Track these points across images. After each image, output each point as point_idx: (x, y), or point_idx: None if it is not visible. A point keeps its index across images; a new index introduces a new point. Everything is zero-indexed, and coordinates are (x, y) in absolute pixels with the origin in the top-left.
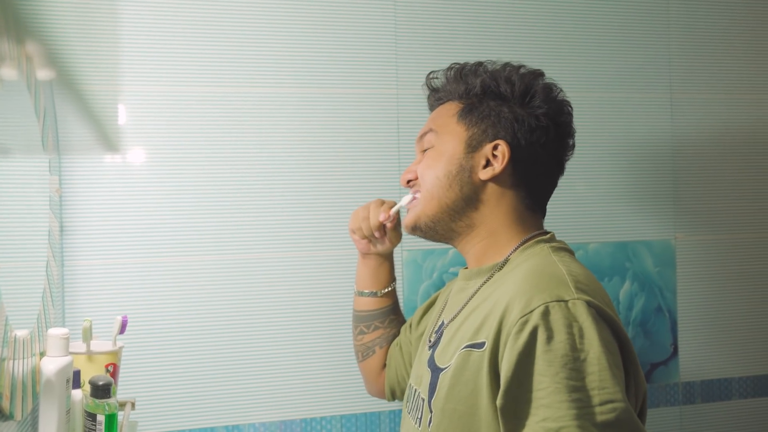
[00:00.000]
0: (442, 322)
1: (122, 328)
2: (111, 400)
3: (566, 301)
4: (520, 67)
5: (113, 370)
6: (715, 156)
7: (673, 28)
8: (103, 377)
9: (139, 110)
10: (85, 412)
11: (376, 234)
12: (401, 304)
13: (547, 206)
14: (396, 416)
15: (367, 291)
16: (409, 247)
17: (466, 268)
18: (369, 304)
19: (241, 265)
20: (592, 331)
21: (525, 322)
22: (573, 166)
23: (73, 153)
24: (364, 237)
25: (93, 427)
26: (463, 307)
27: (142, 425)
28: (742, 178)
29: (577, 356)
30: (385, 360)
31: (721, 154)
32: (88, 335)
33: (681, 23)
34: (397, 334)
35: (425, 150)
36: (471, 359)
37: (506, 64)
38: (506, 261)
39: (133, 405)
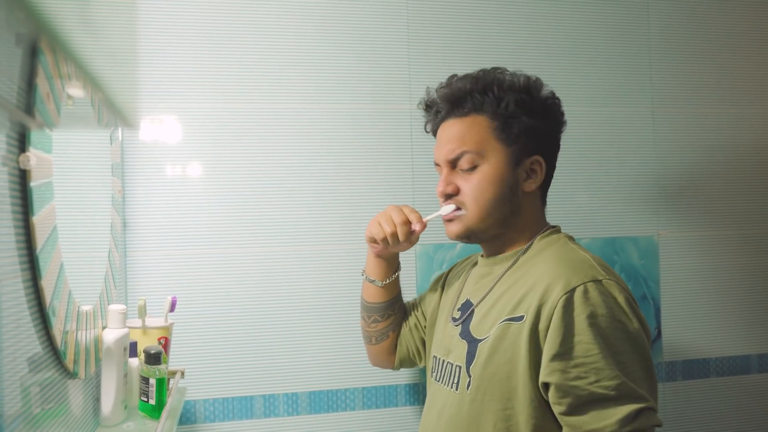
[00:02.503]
0: (467, 301)
1: (172, 307)
2: (161, 367)
3: (600, 281)
4: (536, 79)
5: (165, 342)
6: (693, 163)
7: (654, 49)
8: (155, 347)
9: (189, 125)
10: (140, 376)
11: (401, 239)
12: (415, 293)
13: (546, 208)
14: (411, 389)
15: (379, 281)
16: (422, 241)
17: (483, 255)
18: (379, 296)
19: (274, 256)
20: (627, 305)
21: (568, 299)
22: (567, 171)
23: (135, 160)
24: (386, 242)
25: (146, 389)
26: (492, 288)
27: (190, 391)
28: (719, 183)
29: (617, 326)
30: (397, 340)
31: (698, 162)
32: (143, 312)
33: (660, 44)
34: (404, 317)
35: (466, 169)
36: (510, 330)
37: (524, 78)
38: (528, 247)
39: (182, 374)
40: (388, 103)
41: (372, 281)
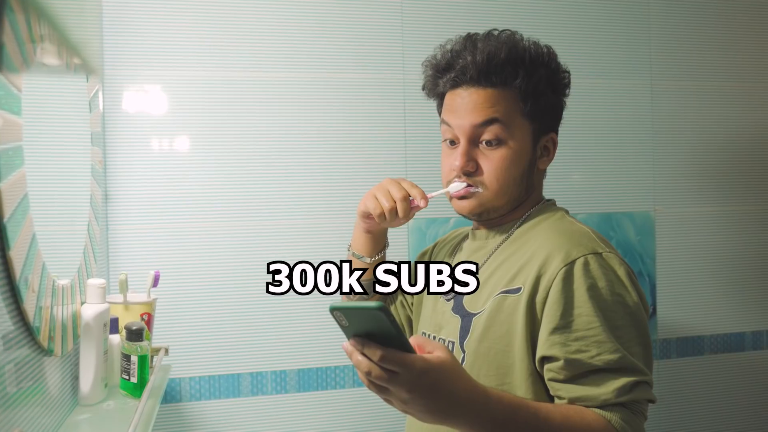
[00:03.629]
0: None
1: (155, 282)
2: (143, 344)
3: (600, 254)
4: (552, 50)
5: (147, 319)
6: (690, 138)
7: (654, 22)
8: (137, 323)
9: (174, 93)
10: (122, 353)
11: (401, 215)
12: None
13: (544, 182)
14: None
15: (367, 257)
16: (414, 216)
17: (475, 228)
18: (367, 273)
19: (260, 229)
20: (627, 279)
21: (568, 271)
22: (564, 145)
23: (117, 129)
24: (382, 218)
25: (128, 366)
26: (486, 261)
27: (174, 369)
28: (715, 158)
29: (617, 299)
30: None
31: (696, 137)
32: (124, 287)
33: (660, 18)
34: (387, 299)
35: (490, 143)
36: (506, 303)
37: (545, 49)
38: (524, 220)
39: (166, 351)
40: (381, 72)
41: (360, 257)
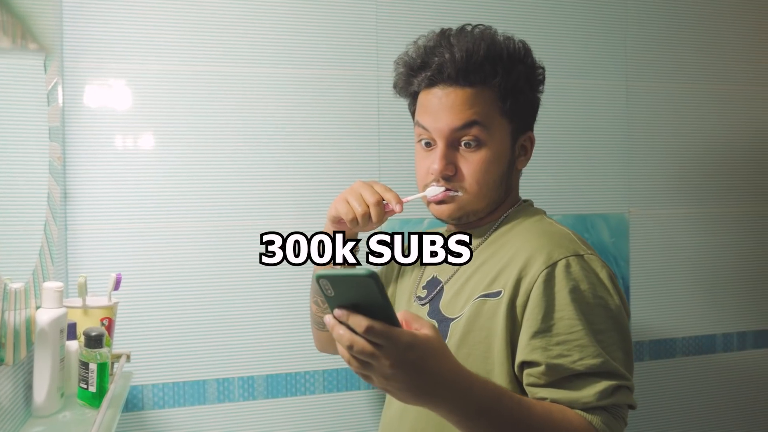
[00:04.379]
0: (433, 279)
1: (116, 285)
2: (103, 350)
3: (582, 256)
4: (527, 46)
5: (108, 323)
6: (665, 140)
7: (630, 23)
8: (96, 329)
9: (138, 87)
10: (80, 361)
11: (375, 220)
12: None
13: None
14: None
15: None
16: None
17: (448, 230)
18: None
19: (228, 230)
20: (609, 282)
21: (550, 273)
22: (538, 146)
23: (78, 124)
24: (354, 222)
25: (86, 375)
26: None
27: (136, 376)
28: (690, 160)
29: (600, 303)
30: None
31: (671, 139)
32: (83, 290)
33: (637, 18)
34: None
35: (470, 145)
36: (486, 307)
37: (521, 44)
38: (501, 222)
39: (128, 357)
40: (354, 69)
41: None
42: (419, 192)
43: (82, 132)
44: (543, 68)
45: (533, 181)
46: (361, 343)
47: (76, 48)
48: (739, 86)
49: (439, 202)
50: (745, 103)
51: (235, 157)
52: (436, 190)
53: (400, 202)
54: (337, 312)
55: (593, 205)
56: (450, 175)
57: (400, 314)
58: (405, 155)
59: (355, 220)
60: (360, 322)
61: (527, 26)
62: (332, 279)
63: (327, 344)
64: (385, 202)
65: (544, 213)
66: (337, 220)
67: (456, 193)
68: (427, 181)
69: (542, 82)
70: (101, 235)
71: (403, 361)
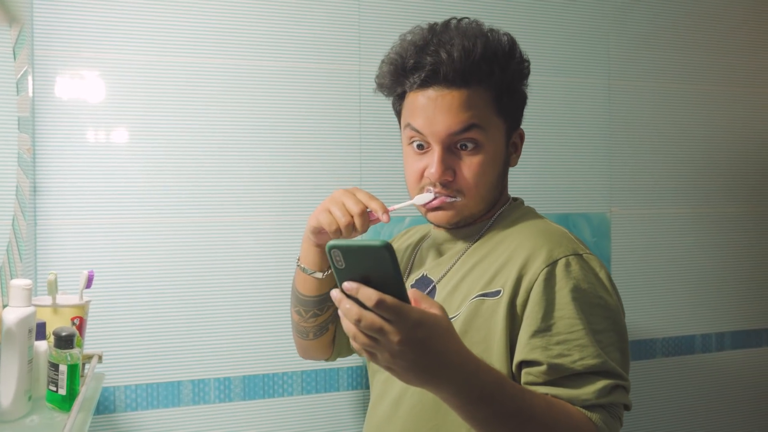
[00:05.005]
0: (424, 277)
1: (88, 283)
2: (74, 351)
3: (581, 255)
4: (513, 39)
5: (79, 323)
6: (647, 138)
7: (613, 21)
8: (67, 328)
9: (111, 78)
10: (49, 362)
11: (360, 230)
12: None
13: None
14: (353, 372)
15: (320, 272)
16: None
17: (437, 228)
18: (318, 287)
19: (205, 227)
20: (608, 281)
21: (550, 272)
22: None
23: (49, 115)
24: (338, 233)
25: (56, 377)
26: (455, 263)
27: (108, 377)
28: (671, 160)
29: (599, 302)
30: (336, 331)
31: (652, 137)
32: (53, 288)
33: (620, 16)
34: None
35: (467, 148)
36: (484, 307)
37: (508, 38)
38: (493, 220)
39: (100, 358)
40: (336, 63)
41: (311, 273)
42: (409, 199)
43: (54, 123)
44: (529, 61)
45: (514, 180)
46: (370, 317)
47: (47, 35)
48: (720, 86)
49: (437, 209)
50: (727, 104)
51: (212, 151)
52: (426, 197)
53: (386, 211)
54: (347, 285)
55: (575, 205)
56: (449, 181)
57: (409, 292)
58: (386, 150)
59: (339, 230)
60: (371, 295)
61: (509, 22)
62: (345, 249)
63: (312, 351)
64: (369, 210)
65: (535, 211)
66: (319, 230)
67: (454, 199)
68: (423, 185)
69: (528, 75)
70: (72, 230)
71: (411, 338)
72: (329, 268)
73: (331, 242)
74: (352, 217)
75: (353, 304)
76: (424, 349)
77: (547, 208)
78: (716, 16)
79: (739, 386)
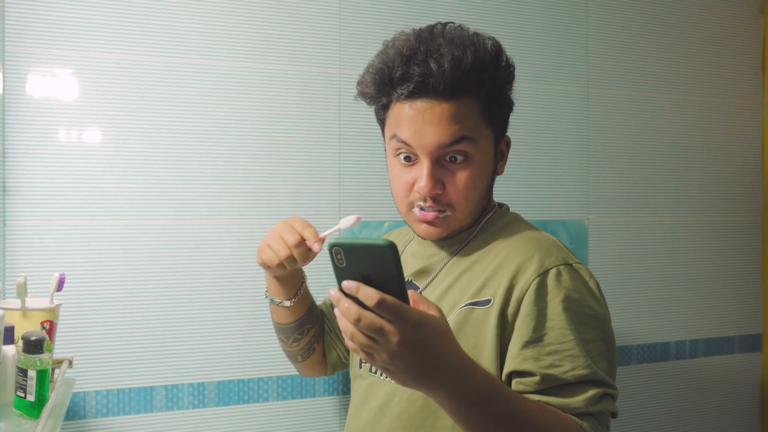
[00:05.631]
0: (408, 282)
1: (59, 286)
2: (43, 356)
3: (571, 265)
4: (498, 43)
5: (49, 327)
6: (624, 146)
7: (592, 31)
8: (36, 332)
9: (84, 77)
10: (17, 367)
11: (299, 262)
12: None
13: None
14: (330, 378)
15: (287, 300)
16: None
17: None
18: (291, 314)
19: (179, 230)
20: (597, 291)
21: (541, 282)
22: None
23: (19, 114)
24: (281, 267)
25: (24, 382)
26: (441, 270)
27: (79, 382)
28: (648, 168)
29: (589, 312)
30: (324, 350)
31: (630, 146)
32: (22, 291)
33: (598, 26)
34: (323, 322)
35: (457, 160)
36: (473, 316)
37: (493, 44)
38: (480, 227)
39: (70, 363)
40: (316, 66)
41: (279, 303)
42: (396, 210)
43: (24, 122)
44: (514, 65)
45: (497, 189)
46: (369, 316)
47: (19, 32)
48: (697, 96)
49: (429, 223)
50: (703, 113)
51: (187, 152)
52: (349, 220)
53: (318, 240)
54: (347, 284)
55: (553, 211)
56: (438, 194)
57: (408, 293)
58: (366, 154)
59: (281, 264)
60: (372, 294)
61: (488, 29)
62: (347, 248)
63: (307, 371)
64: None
65: (521, 217)
66: (266, 267)
67: (445, 214)
68: (412, 198)
69: (514, 78)
70: (43, 232)
71: (410, 339)
72: (295, 295)
73: (333, 240)
74: (290, 249)
75: (352, 303)
76: (422, 351)
77: (525, 215)
78: (693, 27)
79: (712, 392)
